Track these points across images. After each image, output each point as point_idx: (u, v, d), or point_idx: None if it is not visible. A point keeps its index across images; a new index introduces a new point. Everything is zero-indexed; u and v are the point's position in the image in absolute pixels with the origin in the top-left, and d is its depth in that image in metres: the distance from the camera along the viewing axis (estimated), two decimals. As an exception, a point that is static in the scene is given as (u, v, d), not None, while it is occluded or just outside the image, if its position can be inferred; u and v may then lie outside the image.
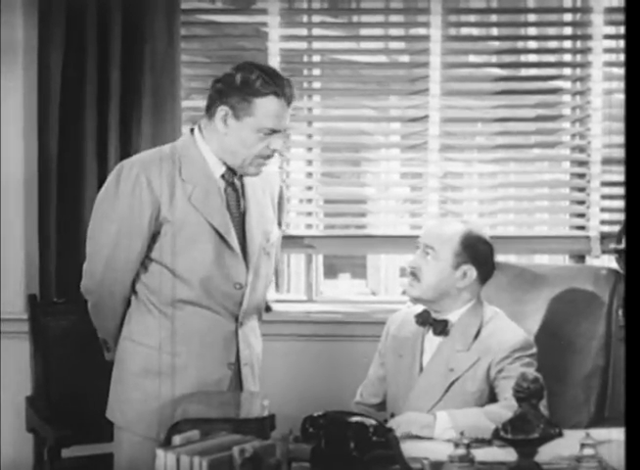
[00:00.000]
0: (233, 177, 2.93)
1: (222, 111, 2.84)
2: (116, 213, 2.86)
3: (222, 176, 2.92)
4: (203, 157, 2.90)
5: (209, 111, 2.88)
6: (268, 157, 2.87)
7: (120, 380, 2.98)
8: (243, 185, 2.96)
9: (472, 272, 3.06)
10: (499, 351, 2.99)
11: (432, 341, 3.06)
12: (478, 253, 3.07)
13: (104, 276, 2.91)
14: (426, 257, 3.04)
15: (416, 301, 3.08)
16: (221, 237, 2.88)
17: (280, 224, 3.12)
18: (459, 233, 3.06)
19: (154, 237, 2.87)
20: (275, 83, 2.80)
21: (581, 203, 4.14)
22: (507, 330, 3.06)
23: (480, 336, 3.03)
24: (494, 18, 4.26)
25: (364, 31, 4.38)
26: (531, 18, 4.40)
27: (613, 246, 3.41)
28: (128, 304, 2.97)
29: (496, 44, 4.22)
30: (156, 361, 2.91)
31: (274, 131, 2.82)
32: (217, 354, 2.93)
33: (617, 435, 2.68)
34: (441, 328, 3.04)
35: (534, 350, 3.06)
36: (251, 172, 2.91)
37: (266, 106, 2.80)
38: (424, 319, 3.07)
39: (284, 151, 2.91)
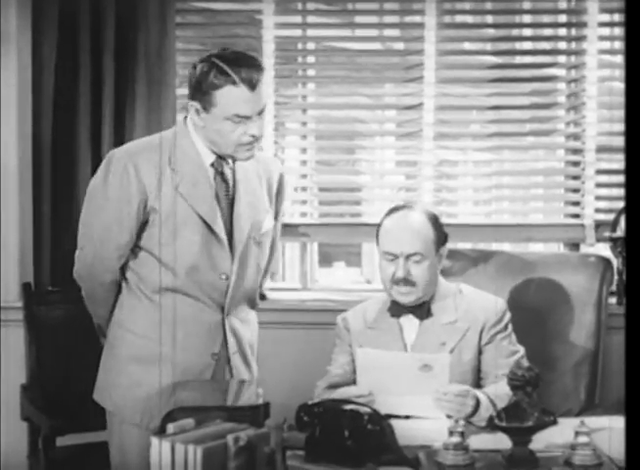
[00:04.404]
0: (223, 166, 2.93)
1: (192, 106, 2.86)
2: (106, 202, 2.88)
3: (212, 165, 2.92)
4: (194, 145, 2.91)
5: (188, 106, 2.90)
6: (250, 143, 2.85)
7: (108, 365, 3.02)
8: (234, 173, 2.95)
9: (444, 250, 3.07)
10: (488, 316, 3.03)
11: (410, 325, 3.05)
12: (442, 228, 3.07)
13: (94, 263, 2.94)
14: (414, 263, 3.00)
15: (412, 303, 3.05)
16: (208, 227, 2.89)
17: (277, 213, 3.12)
18: (427, 222, 3.02)
19: (143, 225, 2.89)
20: (232, 72, 2.77)
21: (576, 191, 4.14)
22: (485, 297, 3.10)
23: (459, 309, 3.04)
24: (489, 5, 4.25)
25: (359, 19, 4.37)
26: (526, 5, 4.38)
27: (607, 234, 3.42)
28: (120, 290, 2.99)
29: (491, 32, 4.21)
30: (141, 348, 2.94)
31: (245, 117, 2.80)
32: (201, 344, 2.95)
33: (610, 422, 2.69)
34: (426, 312, 3.04)
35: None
36: (242, 158, 2.90)
37: (225, 96, 2.79)
38: (399, 310, 3.05)
39: (262, 136, 2.87)
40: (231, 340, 2.97)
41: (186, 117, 2.95)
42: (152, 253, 2.90)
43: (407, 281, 2.98)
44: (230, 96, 2.78)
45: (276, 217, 3.11)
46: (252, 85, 2.79)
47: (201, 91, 2.81)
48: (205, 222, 2.88)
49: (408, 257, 2.99)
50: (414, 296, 3.01)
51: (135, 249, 2.92)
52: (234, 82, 2.77)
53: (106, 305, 3.01)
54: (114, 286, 2.98)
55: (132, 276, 2.95)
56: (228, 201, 2.94)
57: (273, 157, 3.12)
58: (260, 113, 2.83)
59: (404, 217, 3.03)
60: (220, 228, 2.90)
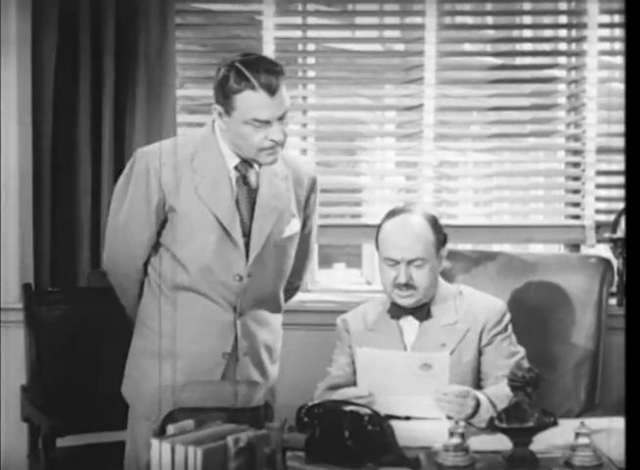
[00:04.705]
0: (247, 169, 2.95)
1: (215, 110, 2.89)
2: (128, 199, 2.95)
3: (236, 167, 2.95)
4: (218, 147, 2.94)
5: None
6: (271, 148, 2.87)
7: (129, 357, 3.08)
8: (259, 177, 2.96)
9: (444, 251, 3.07)
10: (489, 317, 3.02)
11: (410, 327, 3.04)
12: (441, 230, 3.05)
13: (118, 258, 3.01)
14: (415, 267, 2.98)
15: (412, 305, 3.03)
16: (224, 228, 2.91)
17: (307, 218, 3.12)
18: (426, 225, 3.00)
19: (163, 223, 2.95)
20: (251, 76, 2.79)
21: (576, 192, 4.14)
22: (485, 298, 3.09)
23: (458, 310, 3.03)
24: (489, 6, 4.25)
25: (359, 20, 4.38)
26: (527, 6, 4.38)
27: (608, 235, 3.42)
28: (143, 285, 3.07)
29: (491, 33, 4.22)
30: (154, 343, 2.97)
31: (265, 122, 2.81)
32: (212, 343, 2.96)
33: (610, 423, 2.69)
34: (426, 313, 3.03)
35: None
36: (264, 162, 2.92)
37: (244, 100, 2.80)
38: (399, 312, 3.04)
39: (283, 140, 2.88)
40: (242, 341, 2.98)
41: (215, 120, 2.97)
42: (169, 250, 2.95)
43: (409, 286, 2.98)
44: (249, 101, 2.80)
45: (305, 222, 3.12)
46: (272, 90, 2.80)
47: (222, 95, 2.84)
48: (220, 224, 2.90)
49: (409, 262, 2.98)
50: (415, 298, 3.00)
51: (156, 246, 2.98)
52: (253, 87, 2.79)
53: (133, 298, 3.07)
54: (138, 281, 3.04)
55: (152, 272, 3.01)
56: (250, 204, 2.95)
57: (305, 161, 3.14)
58: (281, 118, 2.84)
59: (404, 222, 3.01)
60: (236, 230, 2.92)
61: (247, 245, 2.94)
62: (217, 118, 2.89)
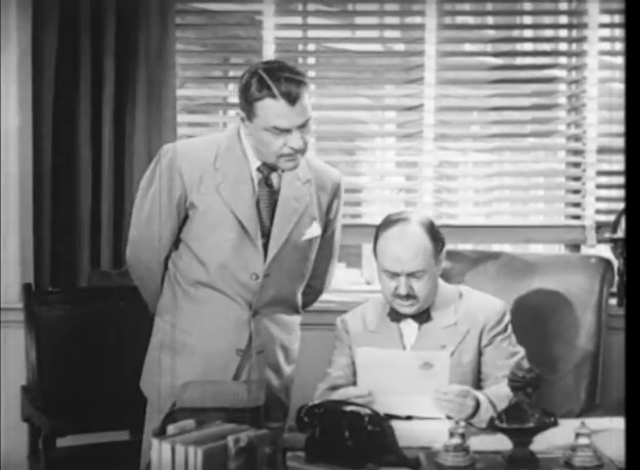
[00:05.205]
0: (270, 170, 2.96)
1: (239, 115, 2.91)
2: (151, 194, 2.98)
3: (258, 169, 2.96)
4: (243, 149, 2.96)
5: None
6: (290, 155, 2.87)
7: (148, 351, 3.11)
8: (281, 179, 2.98)
9: (443, 255, 3.05)
10: (488, 317, 3.01)
11: (410, 329, 3.03)
12: (439, 236, 3.02)
13: (140, 251, 3.05)
14: (415, 278, 2.95)
15: (414, 313, 3.01)
16: (243, 227, 2.93)
17: (329, 223, 3.13)
18: (424, 235, 2.96)
19: (184, 220, 2.98)
20: (272, 85, 2.79)
21: (577, 192, 4.14)
22: (484, 299, 3.08)
23: (458, 311, 3.02)
24: (490, 6, 4.25)
25: (359, 20, 4.38)
26: (527, 6, 4.38)
27: (608, 235, 3.42)
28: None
29: (492, 33, 4.22)
30: (170, 338, 3.01)
31: (285, 130, 2.82)
32: (227, 339, 2.99)
33: (610, 424, 2.69)
34: (426, 317, 3.01)
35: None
36: (284, 168, 2.93)
37: (264, 108, 2.81)
38: (398, 316, 3.02)
39: (303, 148, 2.87)
40: (257, 339, 3.00)
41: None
42: (189, 246, 2.98)
43: (410, 296, 2.97)
44: (269, 109, 2.81)
45: (328, 227, 3.12)
46: (292, 99, 2.80)
47: (245, 101, 2.86)
48: (239, 222, 2.92)
49: (409, 274, 2.96)
50: (416, 307, 2.98)
51: (177, 241, 3.01)
52: (273, 96, 2.80)
53: (154, 292, 3.09)
54: (159, 275, 3.06)
55: (172, 267, 3.04)
56: (270, 205, 2.97)
57: (331, 167, 3.15)
58: (302, 126, 2.85)
59: (402, 234, 2.96)
60: (254, 229, 2.94)
61: (265, 245, 2.96)
62: (241, 123, 2.92)
